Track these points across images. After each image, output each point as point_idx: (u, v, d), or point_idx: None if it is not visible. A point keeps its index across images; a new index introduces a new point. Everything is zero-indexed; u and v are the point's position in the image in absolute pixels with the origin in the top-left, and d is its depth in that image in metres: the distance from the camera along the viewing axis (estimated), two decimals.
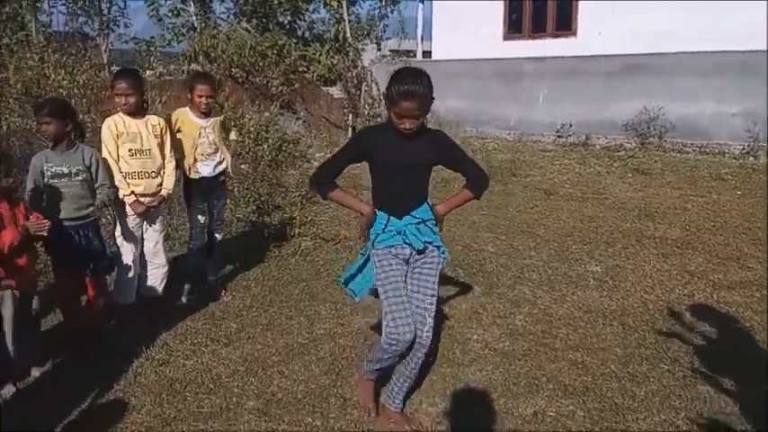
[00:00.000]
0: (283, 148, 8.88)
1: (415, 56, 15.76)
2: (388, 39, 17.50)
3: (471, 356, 3.79)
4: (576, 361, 3.70)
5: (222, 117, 4.61)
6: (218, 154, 4.47)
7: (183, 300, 4.55)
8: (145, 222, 4.19)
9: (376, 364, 3.02)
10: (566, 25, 12.72)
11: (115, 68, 10.47)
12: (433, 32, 14.69)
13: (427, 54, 14.99)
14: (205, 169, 4.39)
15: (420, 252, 2.94)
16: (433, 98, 2.76)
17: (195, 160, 4.34)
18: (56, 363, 3.66)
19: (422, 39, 15.71)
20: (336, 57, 13.51)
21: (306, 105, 12.70)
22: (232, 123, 8.52)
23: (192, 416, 3.14)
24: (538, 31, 13.12)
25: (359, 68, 13.68)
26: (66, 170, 3.64)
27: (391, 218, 2.92)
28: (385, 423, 3.04)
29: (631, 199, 7.81)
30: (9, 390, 3.32)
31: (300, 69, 12.86)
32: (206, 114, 4.37)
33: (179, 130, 4.31)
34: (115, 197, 3.98)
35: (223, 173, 4.57)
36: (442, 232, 3.10)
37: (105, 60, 12.19)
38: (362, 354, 3.36)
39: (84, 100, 8.08)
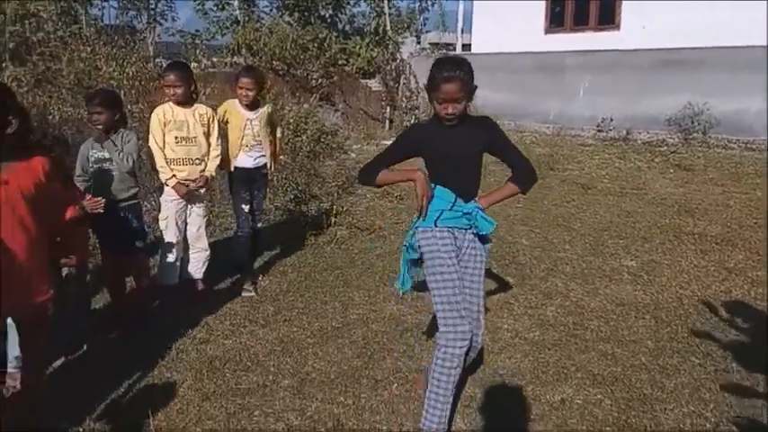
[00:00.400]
0: (321, 140, 9.03)
1: (454, 49, 15.75)
2: (427, 32, 17.53)
3: (501, 344, 3.85)
4: (606, 352, 3.73)
5: (269, 110, 4.68)
6: (262, 146, 4.57)
7: (244, 292, 4.55)
8: (188, 208, 4.35)
9: (437, 397, 2.72)
10: (609, 19, 12.56)
11: (161, 61, 10.78)
12: (473, 26, 14.67)
13: (467, 47, 14.97)
14: (248, 160, 4.51)
15: (466, 239, 2.87)
16: (475, 85, 2.76)
17: (240, 151, 4.47)
18: (104, 339, 3.85)
19: (462, 32, 15.68)
20: (376, 50, 13.62)
21: (344, 98, 12.85)
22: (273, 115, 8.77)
23: (231, 391, 3.28)
24: (580, 24, 12.99)
25: (398, 61, 13.76)
26: (108, 155, 3.84)
27: (459, 198, 2.82)
28: None
29: (672, 195, 7.72)
30: (62, 362, 3.51)
31: (340, 62, 13.02)
32: (252, 107, 4.48)
33: (227, 122, 4.46)
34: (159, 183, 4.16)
35: (265, 166, 4.68)
36: None
37: (152, 53, 12.52)
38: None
39: (133, 91, 8.35)
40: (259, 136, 4.52)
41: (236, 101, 4.49)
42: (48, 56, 9.38)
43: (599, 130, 11.96)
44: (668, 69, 11.28)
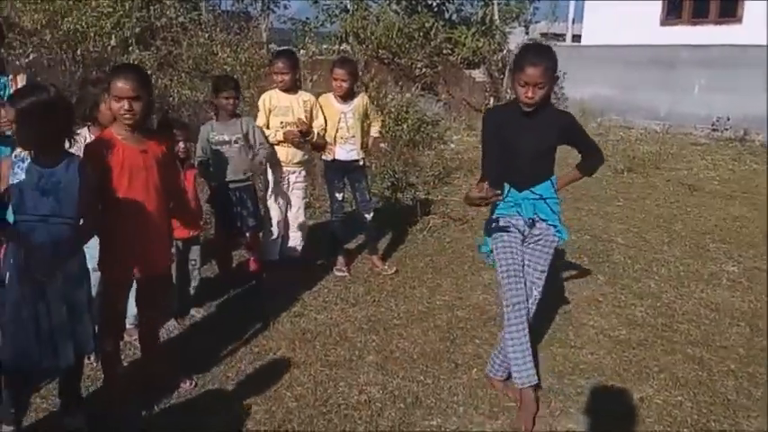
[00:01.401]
0: (422, 129, 9.16)
1: (564, 40, 15.36)
2: (536, 22, 17.15)
3: (584, 340, 3.87)
4: (693, 356, 3.67)
5: (365, 102, 4.76)
6: (356, 139, 4.68)
7: (336, 271, 4.80)
8: (289, 190, 4.63)
9: (514, 352, 3.02)
10: (731, 11, 11.85)
11: (273, 47, 11.26)
12: (584, 16, 14.26)
13: (577, 38, 14.58)
14: (341, 152, 4.65)
15: (531, 226, 3.02)
16: (557, 76, 2.87)
17: (335, 142, 4.64)
18: (211, 307, 4.21)
19: (573, 22, 15.27)
20: (482, 40, 13.51)
21: (448, 87, 12.87)
22: (375, 103, 8.98)
23: (320, 362, 3.53)
24: (699, 16, 12.34)
25: (504, 52, 13.61)
26: (227, 138, 4.18)
27: (512, 189, 3.00)
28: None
29: None
30: (172, 324, 3.89)
31: (445, 52, 13.03)
32: (346, 98, 4.61)
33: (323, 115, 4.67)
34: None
35: (358, 159, 4.78)
36: None
37: (265, 39, 13.09)
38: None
39: (245, 76, 8.83)
40: (353, 129, 4.63)
41: (331, 95, 4.62)
42: (170, 41, 10.08)
43: (713, 130, 11.35)
44: None
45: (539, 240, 3.07)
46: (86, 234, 2.69)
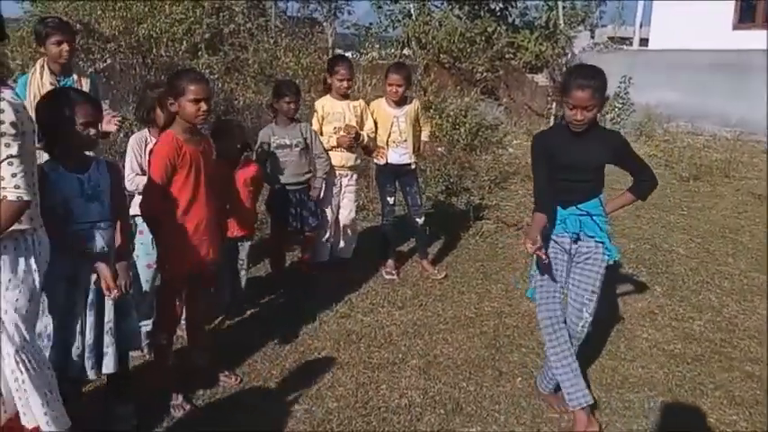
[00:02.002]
0: (480, 134, 9.08)
1: (631, 44, 14.93)
2: (603, 26, 16.73)
3: (636, 353, 3.76)
4: (753, 374, 3.50)
5: (417, 107, 4.80)
6: (407, 143, 4.71)
7: (385, 274, 4.84)
8: (341, 193, 4.69)
9: (562, 374, 3.00)
10: None
11: (341, 52, 11.42)
12: (652, 19, 13.83)
13: (644, 42, 14.14)
14: (393, 156, 4.69)
15: (576, 241, 2.97)
16: (607, 96, 2.85)
17: (387, 147, 4.68)
18: (261, 305, 4.30)
19: (640, 26, 14.82)
20: (545, 44, 13.29)
21: (509, 92, 12.73)
22: (433, 108, 8.99)
23: (363, 364, 3.56)
24: None
25: (568, 56, 13.35)
26: (288, 141, 4.27)
27: (558, 207, 2.98)
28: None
29: None
30: (222, 321, 4.00)
31: (507, 56, 12.89)
32: (399, 103, 4.66)
33: (375, 120, 4.70)
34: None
35: (410, 163, 4.81)
36: None
37: (330, 44, 13.29)
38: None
39: (306, 80, 9.00)
40: (405, 133, 4.67)
41: (383, 100, 4.70)
42: (237, 46, 10.39)
43: None
44: None
45: (587, 259, 2.99)
46: (130, 235, 2.80)
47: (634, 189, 3.11)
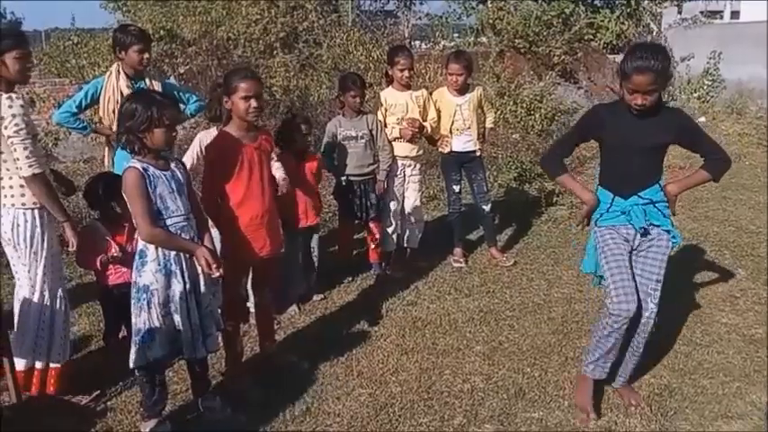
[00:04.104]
0: (556, 119, 8.87)
1: (721, 17, 14.11)
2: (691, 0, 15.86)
3: (712, 338, 3.61)
4: None
5: (479, 94, 4.79)
6: (471, 131, 4.72)
7: (453, 262, 4.87)
8: (405, 182, 4.72)
9: (596, 349, 2.91)
10: None
11: (419, 43, 11.39)
12: None
13: (735, 15, 13.32)
14: (457, 144, 4.72)
15: (644, 234, 2.83)
16: (671, 75, 2.68)
17: (451, 135, 4.70)
18: (330, 293, 4.42)
19: None
20: (627, 22, 12.76)
21: (589, 74, 12.33)
22: (507, 94, 8.86)
23: (427, 350, 3.59)
24: None
25: (653, 34, 12.77)
26: (354, 133, 4.36)
27: (616, 197, 2.85)
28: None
29: None
30: (293, 309, 4.15)
31: (586, 37, 12.47)
32: (461, 92, 4.67)
33: (438, 109, 4.72)
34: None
35: (475, 151, 4.81)
36: (674, 215, 2.93)
37: (406, 35, 13.30)
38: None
39: (377, 73, 9.07)
40: (468, 120, 4.68)
41: (445, 89, 4.71)
42: (311, 43, 10.61)
43: None
44: None
45: (650, 248, 2.85)
46: (208, 226, 2.95)
47: (708, 167, 2.86)
